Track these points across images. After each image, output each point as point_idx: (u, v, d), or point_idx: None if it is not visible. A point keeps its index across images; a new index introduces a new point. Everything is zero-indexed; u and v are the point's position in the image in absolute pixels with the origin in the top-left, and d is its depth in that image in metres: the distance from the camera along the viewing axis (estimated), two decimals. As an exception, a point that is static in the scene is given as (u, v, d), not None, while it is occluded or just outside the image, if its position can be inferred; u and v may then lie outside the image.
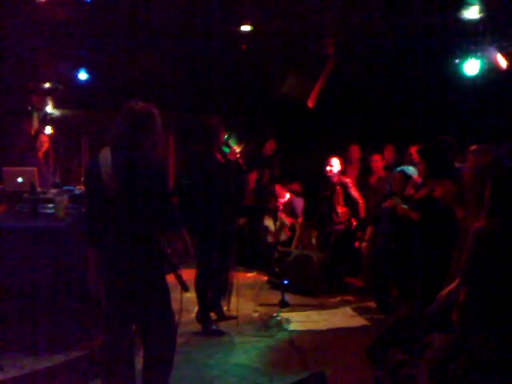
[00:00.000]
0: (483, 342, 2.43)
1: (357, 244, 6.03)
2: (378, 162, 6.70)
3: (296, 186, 7.65)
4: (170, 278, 2.86)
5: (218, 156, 4.75)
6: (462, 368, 2.42)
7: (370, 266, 5.44)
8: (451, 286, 3.01)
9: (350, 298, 5.68)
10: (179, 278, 2.82)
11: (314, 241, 6.48)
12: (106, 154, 2.83)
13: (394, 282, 5.15)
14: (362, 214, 6.17)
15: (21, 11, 5.52)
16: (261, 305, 5.34)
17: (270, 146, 4.94)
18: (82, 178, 5.20)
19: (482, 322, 2.49)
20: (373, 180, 6.71)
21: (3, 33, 5.94)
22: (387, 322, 4.69)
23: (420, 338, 3.09)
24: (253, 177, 7.53)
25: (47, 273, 3.74)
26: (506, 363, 2.33)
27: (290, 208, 7.23)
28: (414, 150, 5.93)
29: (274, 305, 5.25)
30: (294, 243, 6.58)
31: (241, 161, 4.77)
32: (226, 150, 4.85)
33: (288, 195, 7.33)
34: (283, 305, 5.06)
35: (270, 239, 6.80)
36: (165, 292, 2.90)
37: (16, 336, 3.72)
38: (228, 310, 5.01)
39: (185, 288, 2.87)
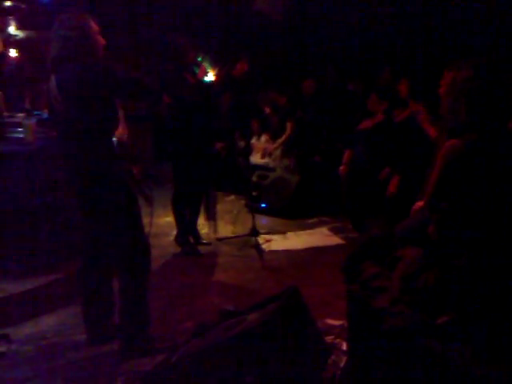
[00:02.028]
0: (457, 254, 2.48)
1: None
2: (355, 85, 6.57)
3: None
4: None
5: (188, 77, 4.60)
6: (433, 278, 2.48)
7: (347, 187, 5.48)
8: (422, 203, 3.05)
9: (326, 218, 5.77)
10: (139, 188, 2.85)
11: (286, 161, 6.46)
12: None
13: (369, 202, 5.22)
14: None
15: None
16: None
17: (241, 67, 4.78)
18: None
19: (459, 236, 2.53)
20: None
21: None
22: (361, 239, 4.82)
23: (393, 252, 3.16)
24: (226, 100, 7.37)
25: (19, 197, 3.68)
26: (479, 272, 2.40)
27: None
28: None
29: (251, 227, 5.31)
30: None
31: (215, 80, 4.63)
32: (196, 69, 4.69)
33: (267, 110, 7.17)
34: (254, 233, 5.06)
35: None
36: (125, 203, 2.83)
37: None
38: (215, 233, 5.04)
39: (147, 199, 2.88)
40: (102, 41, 2.87)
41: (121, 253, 2.88)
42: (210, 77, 4.71)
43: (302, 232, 5.32)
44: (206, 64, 4.76)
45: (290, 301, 3.06)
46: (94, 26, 2.82)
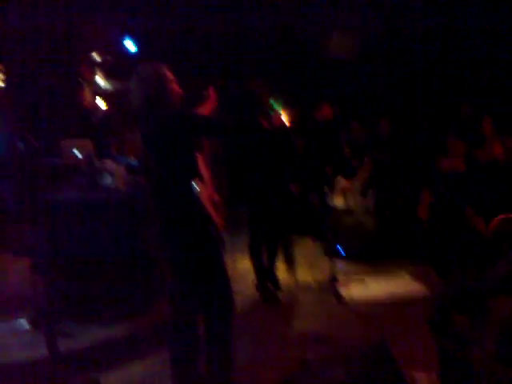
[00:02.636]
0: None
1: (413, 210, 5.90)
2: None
3: None
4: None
5: (264, 123, 4.67)
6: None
7: (428, 230, 5.32)
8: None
9: (407, 262, 5.59)
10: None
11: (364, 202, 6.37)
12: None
13: (453, 246, 5.03)
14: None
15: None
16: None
17: (325, 111, 4.79)
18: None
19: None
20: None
21: (50, 6, 5.98)
22: (447, 287, 4.63)
23: (484, 302, 3.01)
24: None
25: (110, 243, 3.84)
26: None
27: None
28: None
29: (330, 272, 5.23)
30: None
31: (289, 127, 4.68)
32: (272, 114, 4.76)
33: None
34: (332, 279, 4.97)
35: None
36: (206, 248, 2.86)
37: (83, 304, 3.86)
38: (293, 279, 5.00)
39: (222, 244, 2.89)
40: (178, 90, 2.94)
41: (205, 298, 2.92)
42: (284, 119, 4.77)
43: (381, 278, 5.19)
44: (279, 108, 4.82)
45: (377, 353, 2.98)
46: (170, 76, 2.91)
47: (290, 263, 5.03)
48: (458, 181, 4.93)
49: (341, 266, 5.54)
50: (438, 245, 5.05)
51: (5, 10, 5.99)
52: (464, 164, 5.00)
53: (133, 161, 4.81)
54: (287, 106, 5.54)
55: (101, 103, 7.66)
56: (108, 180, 4.30)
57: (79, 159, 4.98)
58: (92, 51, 7.46)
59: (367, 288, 4.91)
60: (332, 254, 5.30)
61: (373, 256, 5.72)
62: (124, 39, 7.37)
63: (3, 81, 7.05)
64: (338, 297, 4.65)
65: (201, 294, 2.93)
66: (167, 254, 2.92)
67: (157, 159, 2.84)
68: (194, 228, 2.84)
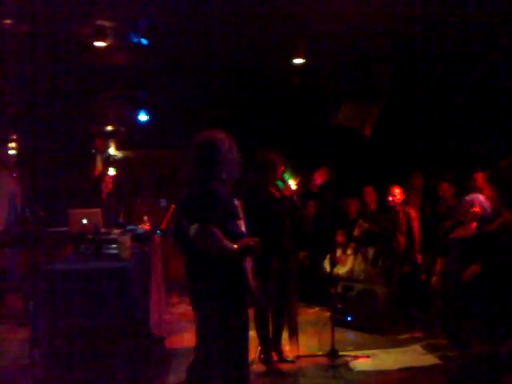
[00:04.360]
0: None
1: (423, 277, 5.79)
2: (445, 190, 6.36)
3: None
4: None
5: (273, 190, 4.71)
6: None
7: (441, 300, 5.17)
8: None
9: (419, 334, 5.42)
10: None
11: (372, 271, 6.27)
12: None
13: (467, 317, 4.87)
14: (416, 251, 5.94)
15: (80, 58, 5.78)
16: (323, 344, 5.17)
17: (319, 176, 4.81)
18: (145, 217, 5.33)
19: None
20: (442, 209, 6.39)
21: (65, 79, 6.23)
22: (461, 360, 4.45)
23: (498, 378, 2.88)
24: (310, 209, 7.43)
25: (112, 313, 3.78)
26: None
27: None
28: (479, 175, 5.69)
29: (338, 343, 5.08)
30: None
31: (296, 197, 4.70)
32: (281, 184, 4.79)
33: None
34: (334, 352, 4.81)
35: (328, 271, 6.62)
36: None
37: (81, 377, 3.75)
38: (297, 349, 4.85)
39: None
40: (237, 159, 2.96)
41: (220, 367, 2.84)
42: (292, 187, 4.79)
43: (392, 349, 5.00)
44: (289, 179, 4.86)
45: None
46: (232, 145, 2.94)
47: (296, 333, 4.88)
48: (470, 248, 4.84)
49: (351, 336, 5.38)
50: (449, 313, 4.89)
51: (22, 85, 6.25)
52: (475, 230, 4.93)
53: (139, 229, 4.82)
54: (295, 175, 5.58)
55: (111, 172, 7.85)
56: (113, 249, 4.29)
57: (86, 228, 5.02)
58: (106, 124, 7.72)
59: (378, 360, 4.72)
60: (340, 323, 5.15)
61: (384, 327, 5.54)
62: (137, 112, 7.62)
63: (17, 153, 7.29)
64: (347, 369, 4.47)
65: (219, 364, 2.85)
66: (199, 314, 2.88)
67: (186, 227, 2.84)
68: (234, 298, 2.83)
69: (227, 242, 2.79)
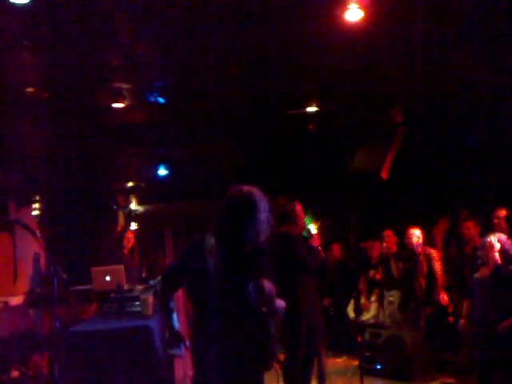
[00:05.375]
0: None
1: (451, 319, 5.66)
2: (470, 229, 6.06)
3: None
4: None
5: (299, 240, 4.69)
6: None
7: (470, 344, 5.03)
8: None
9: (450, 380, 5.26)
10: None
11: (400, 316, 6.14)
12: (210, 244, 2.80)
13: (498, 360, 4.71)
14: (439, 293, 5.81)
15: (100, 118, 5.98)
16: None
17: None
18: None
19: None
20: (468, 249, 6.24)
21: (86, 139, 6.44)
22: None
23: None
24: (335, 254, 7.40)
25: (137, 371, 3.76)
26: None
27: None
28: (502, 213, 5.60)
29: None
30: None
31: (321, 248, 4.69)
32: (306, 234, 4.78)
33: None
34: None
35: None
36: None
37: None
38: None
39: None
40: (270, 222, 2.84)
41: None
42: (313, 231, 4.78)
43: (423, 397, 4.86)
44: (308, 221, 4.84)
45: None
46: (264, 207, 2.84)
47: (324, 383, 4.77)
48: (495, 287, 4.74)
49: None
50: (480, 356, 4.75)
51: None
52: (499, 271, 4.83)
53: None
54: (315, 220, 5.59)
55: (133, 227, 7.95)
56: (136, 306, 4.31)
57: (109, 285, 5.06)
58: (127, 180, 7.88)
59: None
60: (369, 372, 5.02)
61: (414, 373, 5.38)
62: (157, 167, 7.77)
63: (40, 213, 7.48)
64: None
65: None
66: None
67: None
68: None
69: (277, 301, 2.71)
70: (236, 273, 2.66)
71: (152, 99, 5.76)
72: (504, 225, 5.41)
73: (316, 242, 4.68)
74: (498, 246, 4.60)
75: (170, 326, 2.93)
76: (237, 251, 2.69)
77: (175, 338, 2.97)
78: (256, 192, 2.83)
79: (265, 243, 2.77)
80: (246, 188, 2.84)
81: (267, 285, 2.61)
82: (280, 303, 2.74)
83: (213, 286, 2.70)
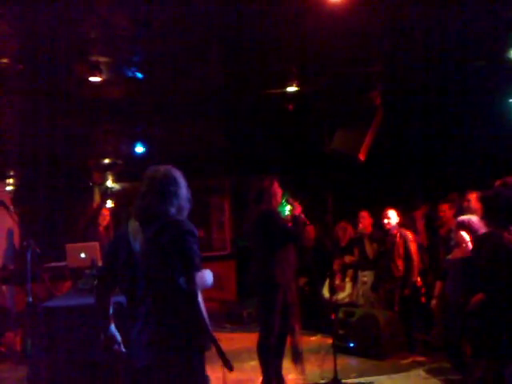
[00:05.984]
0: None
1: (423, 299, 5.76)
2: (446, 211, 6.19)
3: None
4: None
5: (280, 215, 4.72)
6: None
7: (442, 323, 5.15)
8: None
9: (421, 358, 5.39)
10: (221, 353, 2.47)
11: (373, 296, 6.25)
12: (136, 228, 2.68)
13: (469, 339, 4.83)
14: (415, 274, 5.91)
15: (76, 92, 5.84)
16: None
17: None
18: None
19: None
20: (443, 232, 6.26)
21: (61, 115, 6.30)
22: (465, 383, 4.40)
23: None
24: (310, 235, 7.43)
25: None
26: None
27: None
28: (472, 196, 5.69)
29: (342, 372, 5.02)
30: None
31: (304, 215, 4.72)
32: (285, 207, 4.80)
33: None
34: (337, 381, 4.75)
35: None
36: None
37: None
38: (302, 378, 4.80)
39: (228, 367, 2.48)
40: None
41: None
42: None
43: (395, 375, 4.97)
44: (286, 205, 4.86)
45: None
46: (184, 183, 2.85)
47: (298, 361, 4.83)
48: (468, 269, 4.83)
49: (353, 362, 5.33)
50: (451, 336, 4.86)
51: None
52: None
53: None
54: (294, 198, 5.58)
55: (109, 205, 7.86)
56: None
57: (84, 262, 5.03)
58: (103, 157, 7.76)
59: (381, 386, 4.68)
60: (343, 350, 5.10)
61: (386, 352, 5.49)
62: (134, 144, 7.66)
63: (14, 189, 7.33)
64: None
65: None
66: None
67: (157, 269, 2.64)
68: None
69: None
70: (164, 255, 2.60)
71: (130, 74, 5.65)
72: (477, 206, 5.47)
73: (298, 210, 4.70)
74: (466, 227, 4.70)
75: (106, 328, 2.86)
76: (162, 231, 2.63)
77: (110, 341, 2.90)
78: (174, 169, 2.82)
79: (192, 225, 2.69)
80: (163, 166, 2.82)
81: (198, 278, 2.55)
82: (207, 276, 2.70)
83: (141, 269, 2.61)
